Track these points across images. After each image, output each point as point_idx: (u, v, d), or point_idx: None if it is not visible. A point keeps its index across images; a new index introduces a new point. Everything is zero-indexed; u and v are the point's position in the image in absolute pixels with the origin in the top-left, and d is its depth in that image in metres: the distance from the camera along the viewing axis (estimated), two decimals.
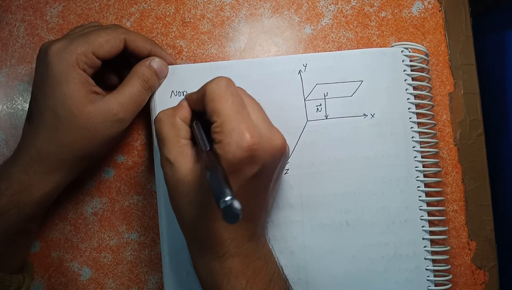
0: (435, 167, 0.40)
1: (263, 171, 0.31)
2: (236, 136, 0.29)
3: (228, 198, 0.24)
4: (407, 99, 0.39)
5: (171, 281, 0.38)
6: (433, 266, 0.38)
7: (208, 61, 0.42)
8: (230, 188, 0.25)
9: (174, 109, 0.34)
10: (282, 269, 0.35)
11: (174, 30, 0.43)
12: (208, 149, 0.30)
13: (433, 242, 0.39)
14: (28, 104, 0.37)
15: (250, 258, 0.32)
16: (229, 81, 0.31)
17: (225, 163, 0.28)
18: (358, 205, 0.38)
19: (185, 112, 0.33)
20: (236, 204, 0.24)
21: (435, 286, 0.38)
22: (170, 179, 0.31)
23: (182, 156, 0.31)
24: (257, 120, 0.31)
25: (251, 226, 0.33)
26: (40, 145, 0.34)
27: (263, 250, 0.33)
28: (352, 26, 0.42)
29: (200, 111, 0.33)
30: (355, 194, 0.38)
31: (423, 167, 0.39)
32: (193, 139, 0.33)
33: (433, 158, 0.40)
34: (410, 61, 0.39)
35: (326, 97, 0.39)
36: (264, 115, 0.32)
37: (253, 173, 0.30)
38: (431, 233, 0.39)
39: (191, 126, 0.33)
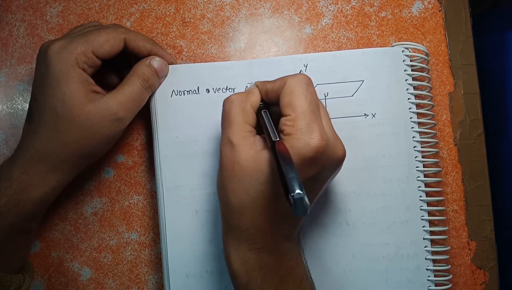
0: (435, 167, 0.40)
1: (319, 176, 0.31)
2: (307, 134, 0.29)
3: (300, 191, 0.24)
4: (408, 99, 0.39)
5: (171, 282, 0.38)
6: (434, 266, 0.38)
7: (208, 61, 0.42)
8: (301, 182, 0.25)
9: (246, 94, 0.34)
10: (309, 272, 0.35)
11: (174, 30, 0.43)
12: (278, 139, 0.30)
13: (433, 242, 0.39)
14: (28, 104, 0.37)
15: (284, 257, 0.32)
16: (310, 80, 0.32)
17: None
18: (358, 205, 0.38)
19: (256, 99, 0.34)
20: (307, 198, 0.24)
21: (435, 286, 0.38)
22: (228, 160, 0.31)
23: (246, 141, 0.31)
24: (325, 125, 0.31)
25: (293, 227, 0.33)
26: (40, 145, 0.34)
27: (295, 251, 0.34)
28: (352, 26, 0.42)
29: (268, 102, 0.34)
30: (355, 194, 0.38)
31: (423, 167, 0.39)
32: (257, 127, 0.33)
33: (433, 158, 0.40)
34: (411, 61, 0.39)
35: (326, 97, 0.39)
36: (331, 123, 0.32)
37: (311, 175, 0.30)
38: (432, 233, 0.39)
39: (257, 114, 0.33)
